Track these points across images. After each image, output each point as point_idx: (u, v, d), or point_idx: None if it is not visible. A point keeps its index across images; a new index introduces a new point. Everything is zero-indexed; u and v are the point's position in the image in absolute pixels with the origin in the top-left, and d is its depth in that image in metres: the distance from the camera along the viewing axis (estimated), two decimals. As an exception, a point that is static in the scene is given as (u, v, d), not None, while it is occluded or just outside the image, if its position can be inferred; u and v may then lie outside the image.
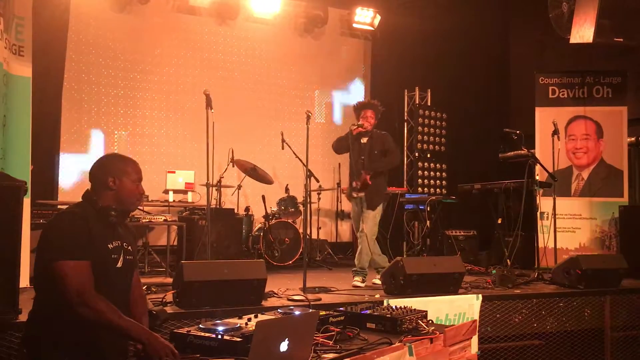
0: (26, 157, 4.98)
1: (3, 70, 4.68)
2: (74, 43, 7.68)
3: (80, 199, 2.66)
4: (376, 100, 6.05)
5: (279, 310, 2.95)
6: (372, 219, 5.65)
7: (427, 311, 3.21)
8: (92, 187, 2.66)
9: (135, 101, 8.17)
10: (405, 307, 3.19)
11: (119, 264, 2.58)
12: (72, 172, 7.63)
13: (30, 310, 2.58)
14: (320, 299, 4.53)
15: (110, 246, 2.56)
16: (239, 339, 2.32)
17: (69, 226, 2.46)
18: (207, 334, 2.40)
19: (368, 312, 3.05)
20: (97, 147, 7.86)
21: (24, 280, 4.42)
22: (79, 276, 2.37)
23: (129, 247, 2.67)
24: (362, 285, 5.48)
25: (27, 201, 4.44)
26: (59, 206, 6.22)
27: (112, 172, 2.64)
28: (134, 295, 2.73)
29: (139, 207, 6.78)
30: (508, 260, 6.08)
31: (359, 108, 5.90)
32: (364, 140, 5.78)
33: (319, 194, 8.29)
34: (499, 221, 6.57)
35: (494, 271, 5.56)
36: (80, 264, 2.39)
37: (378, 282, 5.43)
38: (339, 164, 8.59)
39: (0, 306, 3.40)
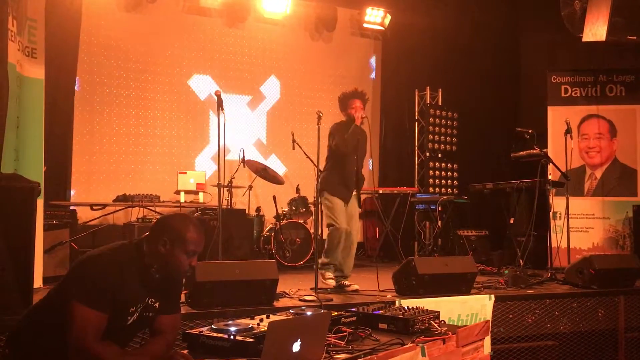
0: (39, 158, 5.02)
1: (16, 72, 4.72)
2: (86, 45, 7.71)
3: (134, 241, 2.52)
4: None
5: (290, 310, 2.96)
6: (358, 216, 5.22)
7: (439, 312, 3.21)
8: (148, 237, 2.49)
9: (147, 102, 8.19)
10: (417, 308, 3.18)
11: (129, 322, 2.44)
12: (85, 173, 7.68)
13: (28, 310, 2.53)
14: (332, 300, 4.53)
15: (131, 309, 2.42)
16: (251, 340, 2.33)
17: (102, 273, 2.34)
18: (219, 335, 2.41)
19: (380, 312, 3.05)
20: (109, 148, 7.91)
21: (37, 281, 4.45)
22: (87, 325, 2.26)
23: (156, 304, 2.51)
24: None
25: (40, 202, 4.47)
26: (71, 207, 6.26)
27: (168, 233, 2.44)
28: (162, 337, 2.54)
29: (151, 208, 6.84)
30: (521, 260, 6.05)
31: (347, 98, 5.15)
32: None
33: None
34: (511, 221, 6.54)
35: (506, 271, 5.52)
36: (94, 314, 2.28)
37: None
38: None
39: (14, 306, 3.43)
